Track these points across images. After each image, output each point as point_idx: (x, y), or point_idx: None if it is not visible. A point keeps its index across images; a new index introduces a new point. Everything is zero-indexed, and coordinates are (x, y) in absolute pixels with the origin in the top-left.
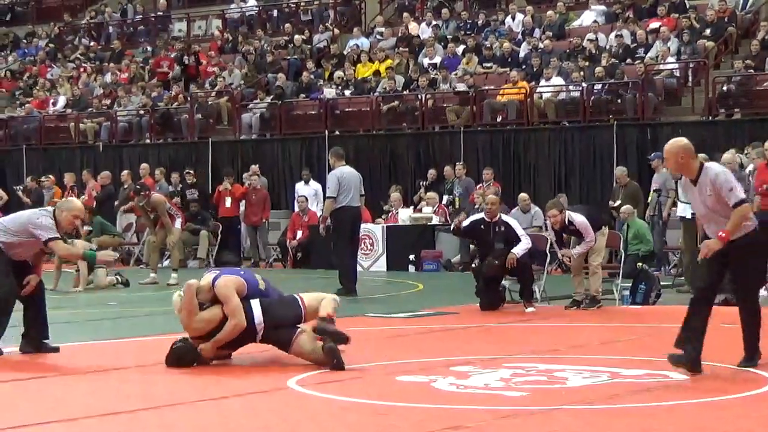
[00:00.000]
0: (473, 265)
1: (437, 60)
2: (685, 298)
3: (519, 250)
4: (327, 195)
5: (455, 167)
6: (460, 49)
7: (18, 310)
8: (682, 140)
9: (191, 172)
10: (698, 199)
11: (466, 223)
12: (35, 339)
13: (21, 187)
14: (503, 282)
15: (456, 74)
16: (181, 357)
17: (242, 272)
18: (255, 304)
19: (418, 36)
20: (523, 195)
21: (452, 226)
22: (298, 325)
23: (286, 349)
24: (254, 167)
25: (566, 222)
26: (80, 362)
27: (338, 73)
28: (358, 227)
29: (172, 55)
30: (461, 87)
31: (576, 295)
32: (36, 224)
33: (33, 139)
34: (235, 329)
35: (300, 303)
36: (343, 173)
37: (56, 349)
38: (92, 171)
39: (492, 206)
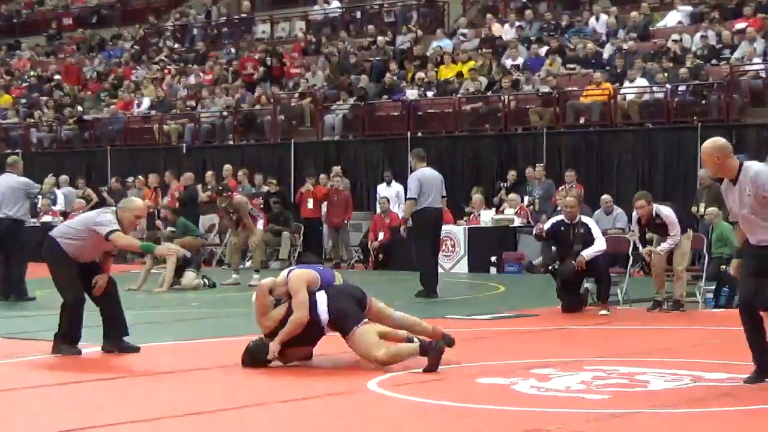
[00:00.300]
0: (551, 267)
1: (520, 61)
2: None
3: (589, 252)
4: (408, 196)
5: (535, 169)
6: (544, 50)
7: (94, 311)
8: (719, 140)
9: (273, 181)
10: (737, 201)
11: (547, 225)
12: (115, 338)
13: (106, 188)
14: (585, 284)
15: (539, 75)
16: (255, 356)
17: (321, 268)
18: (320, 295)
19: (501, 37)
20: (605, 196)
21: (534, 232)
22: (364, 320)
23: (345, 336)
24: (336, 168)
25: (653, 214)
26: (163, 362)
27: (419, 75)
28: (439, 229)
29: (257, 57)
30: (544, 88)
31: (657, 295)
32: (97, 222)
33: (117, 140)
34: (298, 323)
35: (363, 292)
36: (425, 174)
37: (137, 349)
38: (175, 172)
39: (571, 209)
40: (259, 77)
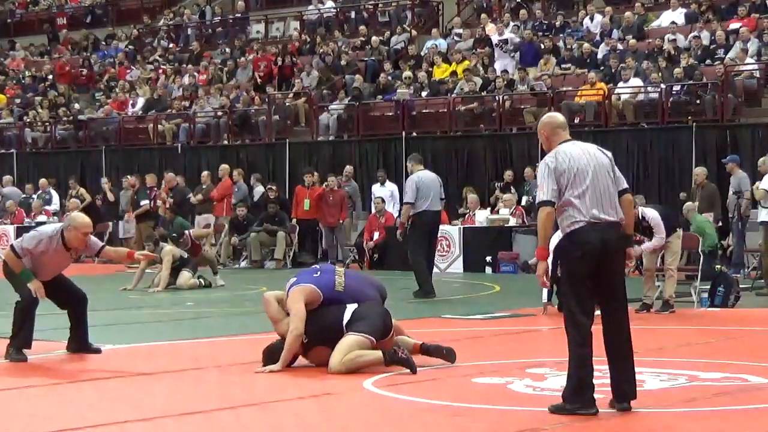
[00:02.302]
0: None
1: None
2: (764, 301)
3: None
4: (405, 200)
5: (535, 169)
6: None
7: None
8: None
9: (273, 187)
10: None
11: (553, 243)
12: (77, 340)
13: (100, 196)
14: None
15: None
16: (274, 355)
17: (317, 274)
18: (349, 309)
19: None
20: None
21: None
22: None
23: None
24: (348, 169)
25: (639, 217)
26: (158, 362)
27: (406, 74)
28: (436, 231)
29: (258, 54)
30: (539, 88)
31: (646, 298)
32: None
33: (112, 140)
34: (293, 335)
35: (389, 317)
36: (421, 178)
37: (98, 350)
38: (172, 172)
39: None
40: (270, 77)
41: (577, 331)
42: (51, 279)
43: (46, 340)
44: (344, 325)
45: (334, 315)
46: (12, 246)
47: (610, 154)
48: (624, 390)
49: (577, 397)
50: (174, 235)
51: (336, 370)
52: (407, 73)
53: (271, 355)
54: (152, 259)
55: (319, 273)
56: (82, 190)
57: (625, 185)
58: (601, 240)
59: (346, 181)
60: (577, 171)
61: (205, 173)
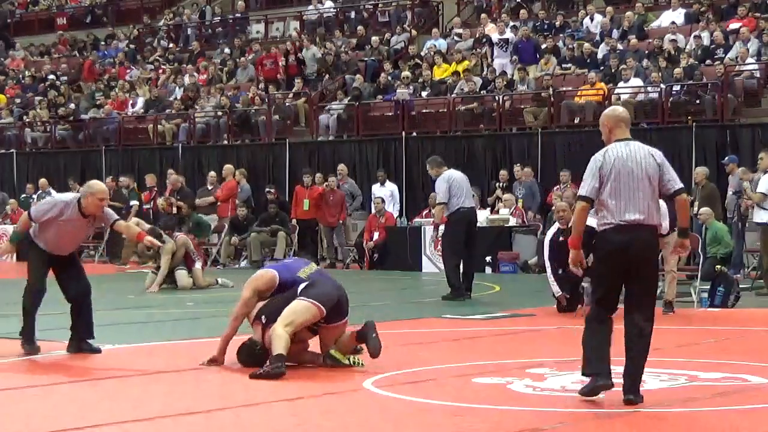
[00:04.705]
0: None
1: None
2: (764, 301)
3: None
4: (438, 201)
5: (523, 169)
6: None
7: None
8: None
9: (271, 190)
10: None
11: (546, 246)
12: (76, 338)
13: None
14: (582, 283)
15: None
16: (249, 352)
17: (289, 260)
18: (303, 284)
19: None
20: None
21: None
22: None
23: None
24: (342, 167)
25: None
26: (158, 362)
27: (404, 74)
28: (473, 228)
29: (265, 53)
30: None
31: None
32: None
33: (112, 140)
34: (230, 323)
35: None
36: (452, 176)
37: (98, 350)
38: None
39: (563, 213)
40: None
41: (596, 314)
42: (68, 260)
43: (46, 340)
44: (298, 293)
45: (291, 294)
46: (29, 211)
47: (660, 155)
48: (626, 384)
49: (589, 368)
50: (196, 230)
51: (278, 335)
52: (405, 73)
53: (243, 351)
54: (158, 247)
55: (291, 260)
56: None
57: (679, 186)
58: (626, 241)
59: (342, 180)
60: (619, 173)
61: (212, 174)
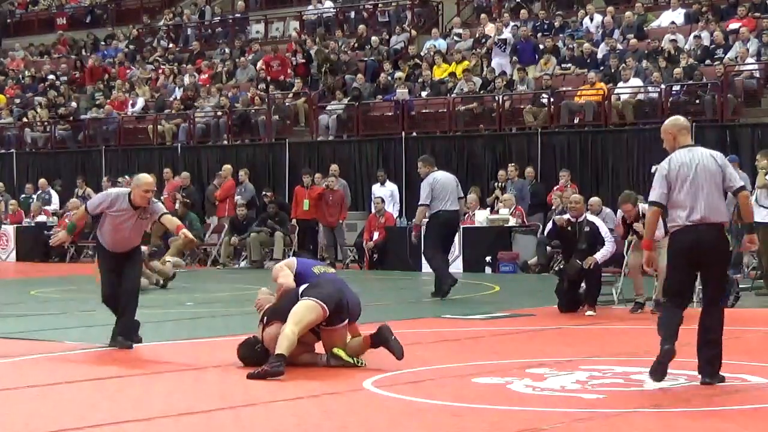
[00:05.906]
0: (557, 267)
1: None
2: (763, 301)
3: (601, 255)
4: (420, 202)
5: (508, 170)
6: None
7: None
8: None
9: (269, 193)
10: None
11: (549, 225)
12: (114, 331)
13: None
14: (583, 284)
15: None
16: (249, 349)
17: (308, 257)
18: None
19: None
20: (593, 199)
21: (553, 221)
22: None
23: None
24: (334, 167)
25: (640, 215)
26: (157, 362)
27: (398, 74)
28: (452, 230)
29: (273, 54)
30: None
31: (638, 297)
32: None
33: (112, 140)
34: (282, 289)
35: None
36: (436, 179)
37: (130, 346)
38: (172, 171)
39: (577, 204)
40: (253, 77)
41: (670, 304)
42: (125, 258)
43: (46, 340)
44: (300, 294)
45: (294, 295)
46: (85, 205)
47: (721, 157)
48: (705, 368)
49: (664, 338)
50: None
51: (285, 335)
52: (399, 74)
53: (245, 346)
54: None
55: (310, 257)
56: (89, 190)
57: (740, 184)
58: (694, 241)
59: (334, 180)
60: (684, 178)
61: (227, 166)
